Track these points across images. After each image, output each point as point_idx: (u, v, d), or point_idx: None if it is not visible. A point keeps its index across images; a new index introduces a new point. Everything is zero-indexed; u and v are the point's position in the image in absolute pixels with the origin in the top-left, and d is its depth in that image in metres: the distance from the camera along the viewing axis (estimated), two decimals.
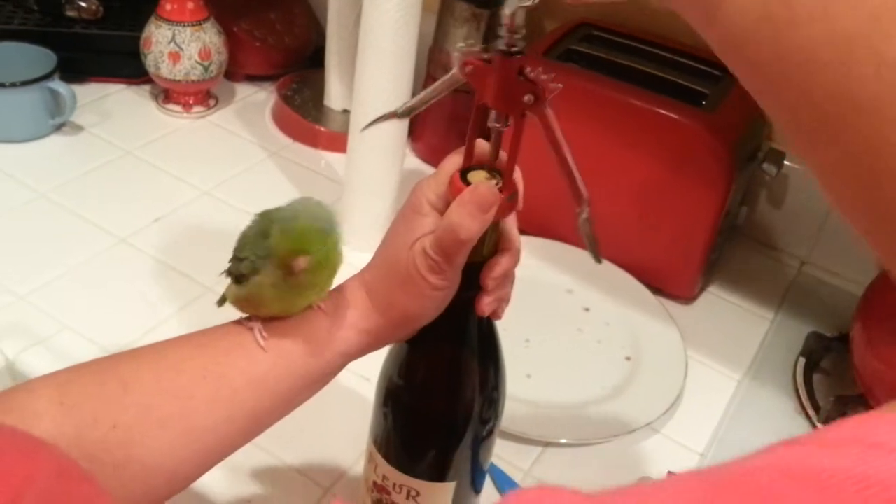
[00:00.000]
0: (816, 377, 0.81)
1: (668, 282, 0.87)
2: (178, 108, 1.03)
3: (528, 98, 0.45)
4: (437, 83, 0.48)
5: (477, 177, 0.47)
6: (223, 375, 0.46)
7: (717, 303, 0.89)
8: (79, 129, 0.98)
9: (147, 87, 1.07)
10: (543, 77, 0.44)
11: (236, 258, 0.48)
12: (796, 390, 0.79)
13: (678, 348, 0.80)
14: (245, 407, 0.46)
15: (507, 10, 0.43)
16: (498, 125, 0.46)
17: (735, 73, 0.36)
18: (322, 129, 1.02)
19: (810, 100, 0.32)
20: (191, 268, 0.82)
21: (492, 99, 0.45)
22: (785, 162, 0.87)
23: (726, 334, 0.85)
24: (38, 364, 0.70)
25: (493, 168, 0.47)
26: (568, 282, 0.86)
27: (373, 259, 0.50)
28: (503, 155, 0.47)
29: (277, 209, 0.47)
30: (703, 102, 0.83)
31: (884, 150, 0.30)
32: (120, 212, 0.88)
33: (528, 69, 0.44)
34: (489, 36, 0.93)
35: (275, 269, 0.45)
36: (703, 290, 0.89)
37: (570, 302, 0.85)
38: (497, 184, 0.47)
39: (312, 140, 1.02)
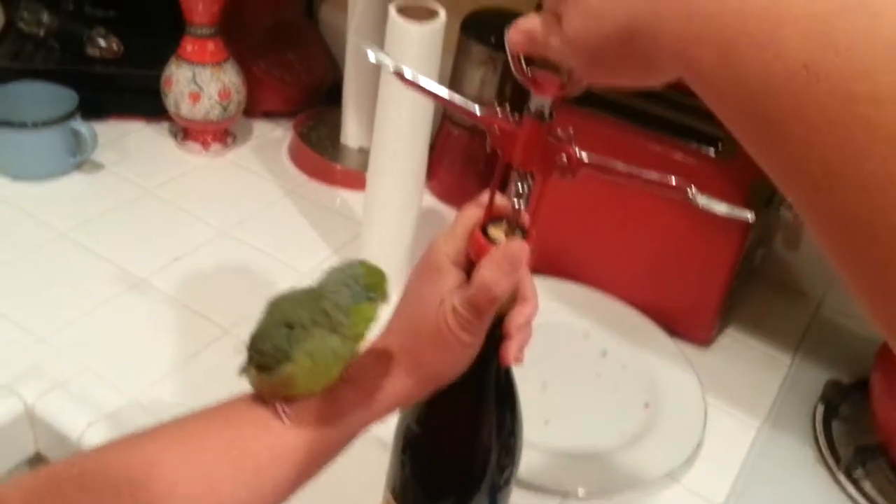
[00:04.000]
0: (835, 424, 0.80)
1: (686, 325, 0.87)
2: (196, 146, 1.04)
3: (561, 159, 0.45)
4: (459, 99, 0.48)
5: (497, 231, 0.48)
6: (247, 452, 0.46)
7: (735, 346, 0.89)
8: (99, 167, 0.99)
9: (166, 125, 1.08)
10: (573, 138, 0.45)
11: (258, 350, 0.48)
12: (815, 439, 0.79)
13: (697, 395, 0.79)
14: (269, 481, 0.46)
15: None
16: (523, 184, 0.47)
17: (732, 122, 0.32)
18: (338, 166, 1.03)
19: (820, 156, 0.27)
20: (210, 309, 0.83)
21: (521, 160, 0.46)
22: None
23: (744, 379, 0.85)
24: (59, 408, 0.71)
25: (511, 221, 0.48)
26: (585, 325, 0.86)
27: (394, 321, 0.50)
28: (514, 202, 0.47)
29: (286, 301, 0.47)
30: (719, 146, 0.83)
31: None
32: (139, 251, 0.88)
33: (558, 131, 0.45)
34: (505, 79, 0.93)
35: (329, 333, 0.45)
36: (720, 332, 0.89)
37: (588, 346, 0.85)
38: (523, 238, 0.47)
39: (329, 177, 1.03)
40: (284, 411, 0.47)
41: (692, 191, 0.44)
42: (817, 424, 0.80)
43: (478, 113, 0.47)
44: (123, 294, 0.84)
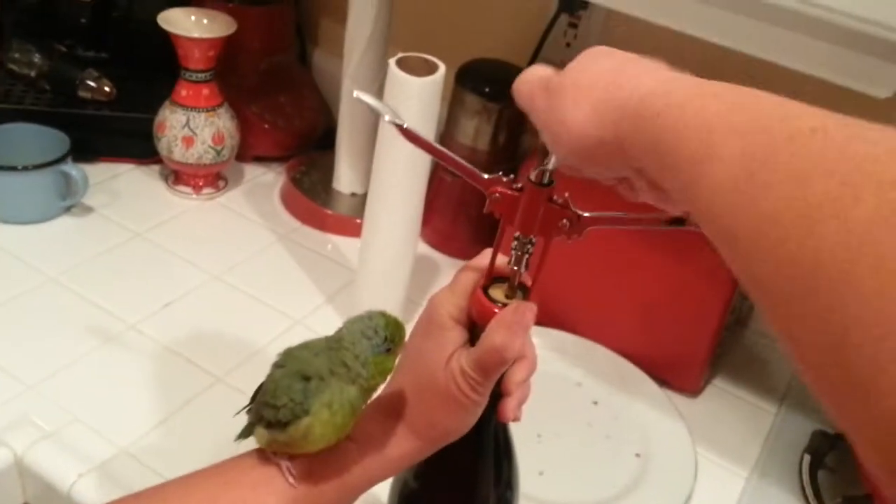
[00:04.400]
0: (821, 474, 0.82)
1: (675, 375, 0.88)
2: (187, 189, 1.04)
3: (563, 223, 0.47)
4: (457, 159, 0.49)
5: (498, 292, 0.49)
6: None
7: (722, 396, 0.90)
8: (88, 210, 0.99)
9: (156, 168, 1.08)
10: (568, 201, 0.47)
11: (270, 405, 0.47)
12: (803, 489, 0.80)
13: (687, 445, 0.80)
14: None
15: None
16: (524, 246, 0.48)
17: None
18: (330, 212, 1.03)
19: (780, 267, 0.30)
20: (201, 357, 0.82)
21: (522, 225, 0.47)
22: None
23: (731, 428, 0.86)
24: (48, 459, 0.70)
25: (512, 282, 0.49)
26: (577, 374, 0.87)
27: (398, 378, 0.50)
28: (515, 264, 0.48)
29: (301, 350, 0.47)
30: None
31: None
32: (130, 296, 0.88)
33: (555, 196, 0.47)
34: (498, 129, 0.95)
35: (361, 391, 0.46)
36: (707, 382, 0.90)
37: (580, 395, 0.85)
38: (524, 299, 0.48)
39: (320, 223, 1.03)
40: (290, 471, 0.47)
41: (696, 225, 0.46)
42: (804, 475, 0.81)
43: (484, 177, 0.48)
44: (113, 340, 0.83)
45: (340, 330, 0.47)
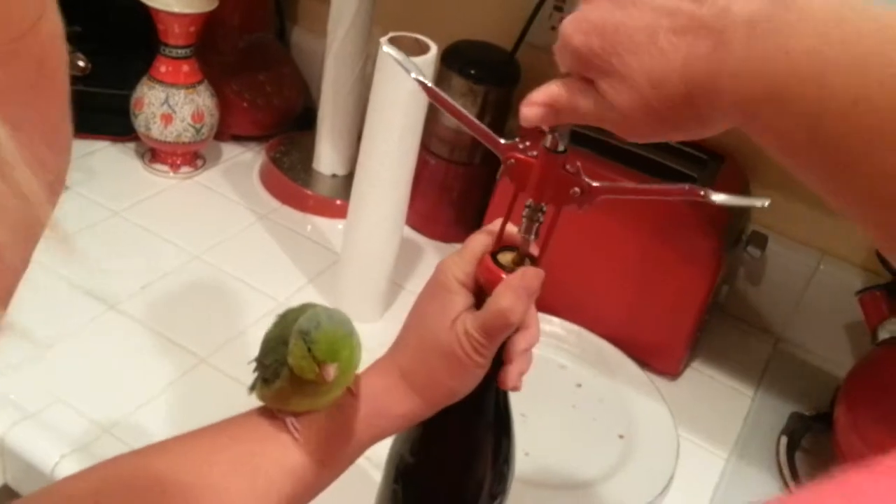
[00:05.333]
0: (798, 455, 0.84)
1: (656, 358, 0.89)
2: (165, 167, 1.02)
3: (574, 191, 0.47)
4: (477, 123, 0.49)
5: (506, 259, 0.49)
6: (258, 467, 0.46)
7: (701, 379, 0.91)
8: (64, 187, 0.96)
9: (132, 145, 1.05)
10: (580, 171, 0.47)
11: (261, 363, 0.49)
12: (780, 469, 0.82)
13: (669, 427, 0.81)
14: (278, 496, 0.47)
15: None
16: (535, 214, 0.48)
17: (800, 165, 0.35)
18: (311, 193, 1.02)
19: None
20: (184, 337, 0.81)
21: (536, 191, 0.48)
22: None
23: (711, 411, 0.87)
24: (30, 441, 0.68)
25: (521, 249, 0.49)
26: (561, 357, 0.88)
27: (404, 340, 0.51)
28: (525, 231, 0.49)
29: (295, 312, 0.47)
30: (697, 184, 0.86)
31: None
32: (109, 276, 0.86)
33: (568, 165, 0.47)
34: (484, 111, 0.95)
35: (293, 375, 0.46)
36: (686, 366, 0.92)
37: (564, 378, 0.86)
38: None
39: (301, 204, 1.02)
40: (294, 426, 0.47)
41: (703, 191, 0.46)
42: (781, 456, 0.83)
43: (501, 142, 0.48)
44: (95, 320, 0.81)
45: (305, 314, 0.46)
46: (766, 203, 0.45)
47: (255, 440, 0.47)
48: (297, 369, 0.45)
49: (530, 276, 0.47)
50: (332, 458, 0.48)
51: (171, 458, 0.46)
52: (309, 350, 0.44)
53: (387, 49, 0.49)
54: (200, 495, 0.44)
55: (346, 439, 0.48)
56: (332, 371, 0.44)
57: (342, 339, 0.45)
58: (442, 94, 0.49)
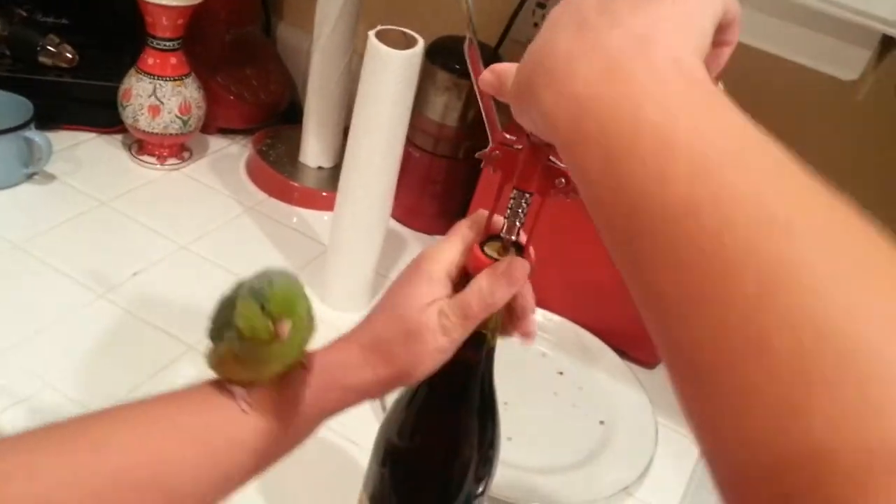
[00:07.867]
0: None
1: (635, 347, 0.91)
2: (151, 159, 1.03)
3: (560, 181, 0.49)
4: (490, 103, 0.50)
5: (493, 248, 0.50)
6: (203, 438, 0.46)
7: None
8: (51, 178, 0.97)
9: (119, 137, 1.06)
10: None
11: (210, 320, 0.48)
12: None
13: (648, 413, 0.83)
14: (225, 468, 0.46)
15: None
16: (521, 203, 0.50)
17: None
18: (297, 185, 1.04)
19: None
20: (171, 325, 0.82)
21: (522, 182, 0.49)
22: None
23: None
24: (20, 426, 0.69)
25: (507, 239, 0.51)
26: (542, 345, 0.90)
27: (369, 319, 0.50)
28: (511, 221, 0.50)
29: (251, 278, 0.46)
30: None
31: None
32: (97, 265, 0.87)
33: (553, 157, 0.48)
34: (468, 106, 0.96)
35: (236, 338, 0.45)
36: None
37: (545, 365, 0.88)
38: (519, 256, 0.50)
39: (287, 196, 1.03)
40: (243, 397, 0.47)
41: None
42: None
43: (498, 131, 0.50)
44: (82, 309, 0.82)
45: (256, 276, 0.46)
46: None
47: (202, 410, 0.46)
48: (248, 331, 0.44)
49: (516, 265, 0.47)
50: (282, 429, 0.47)
51: (111, 425, 0.45)
52: (262, 308, 0.43)
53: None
54: (137, 463, 0.44)
55: (295, 412, 0.47)
56: (286, 328, 0.43)
57: (297, 296, 0.44)
58: (478, 56, 0.50)
